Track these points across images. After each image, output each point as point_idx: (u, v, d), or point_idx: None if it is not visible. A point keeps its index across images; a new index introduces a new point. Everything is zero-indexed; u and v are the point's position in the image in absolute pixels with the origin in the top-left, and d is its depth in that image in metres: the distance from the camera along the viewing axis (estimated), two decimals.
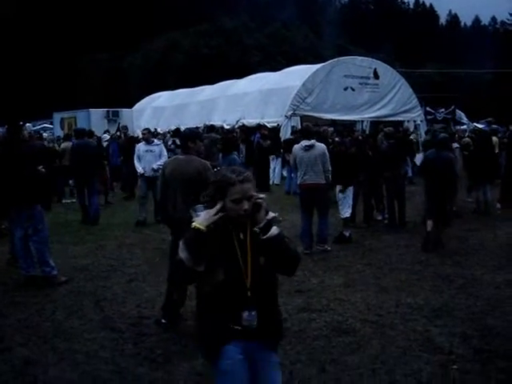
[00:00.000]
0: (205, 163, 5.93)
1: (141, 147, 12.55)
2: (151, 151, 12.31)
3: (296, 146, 9.47)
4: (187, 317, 5.98)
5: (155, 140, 13.16)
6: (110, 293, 7.25)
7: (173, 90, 33.85)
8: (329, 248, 9.32)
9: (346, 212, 10.00)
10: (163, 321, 5.88)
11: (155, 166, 11.70)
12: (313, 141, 9.16)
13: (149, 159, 12.17)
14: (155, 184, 9.74)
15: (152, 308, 6.53)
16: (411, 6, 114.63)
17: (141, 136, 14.14)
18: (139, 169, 12.17)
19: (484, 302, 6.57)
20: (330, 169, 9.07)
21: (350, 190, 10.01)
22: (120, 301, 6.91)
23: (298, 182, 9.56)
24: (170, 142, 19.33)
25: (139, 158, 12.36)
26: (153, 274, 7.92)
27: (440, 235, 9.30)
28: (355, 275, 7.88)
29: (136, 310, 6.56)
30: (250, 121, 21.61)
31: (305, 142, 9.21)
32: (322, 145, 9.30)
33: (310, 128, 10.07)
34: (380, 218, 11.83)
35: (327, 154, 9.12)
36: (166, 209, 5.93)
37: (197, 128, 14.80)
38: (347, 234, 10.01)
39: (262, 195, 2.99)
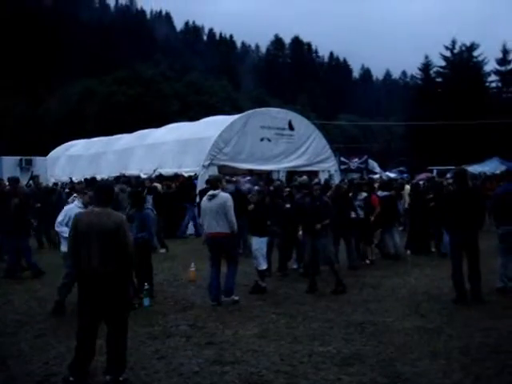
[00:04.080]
0: (122, 216, 5.94)
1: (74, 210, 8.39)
2: None
3: (204, 197, 9.60)
4: (96, 373, 5.81)
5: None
6: (17, 349, 6.95)
7: (89, 138, 33.38)
8: (236, 298, 9.30)
9: (262, 264, 10.03)
10: (71, 379, 5.66)
11: (59, 219, 9.19)
12: (218, 191, 9.28)
13: None
14: None
15: (60, 365, 6.28)
16: (326, 59, 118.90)
17: (67, 190, 12.69)
18: (65, 234, 8.60)
19: (394, 348, 6.74)
20: (232, 219, 9.10)
21: (264, 241, 10.08)
22: (27, 358, 6.63)
23: (204, 232, 9.61)
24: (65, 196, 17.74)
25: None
26: (62, 329, 7.67)
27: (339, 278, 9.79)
28: (269, 325, 7.90)
29: (44, 367, 6.30)
30: (167, 170, 21.55)
31: (210, 192, 9.35)
32: (226, 195, 9.38)
33: (216, 178, 10.18)
34: (295, 266, 11.98)
35: (229, 203, 9.17)
36: (78, 263, 5.79)
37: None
38: (263, 284, 10.06)
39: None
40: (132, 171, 22.24)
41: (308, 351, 6.68)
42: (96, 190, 6.28)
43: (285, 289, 10.31)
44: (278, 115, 23.27)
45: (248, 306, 9.04)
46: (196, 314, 8.63)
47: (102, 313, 5.73)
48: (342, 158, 31.38)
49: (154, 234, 10.44)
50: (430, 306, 8.80)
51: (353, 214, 12.59)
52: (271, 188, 12.72)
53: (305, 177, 14.24)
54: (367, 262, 12.69)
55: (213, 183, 9.69)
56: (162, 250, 14.89)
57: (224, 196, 9.27)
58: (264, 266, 10.07)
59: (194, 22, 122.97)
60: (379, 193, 14.00)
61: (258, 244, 9.98)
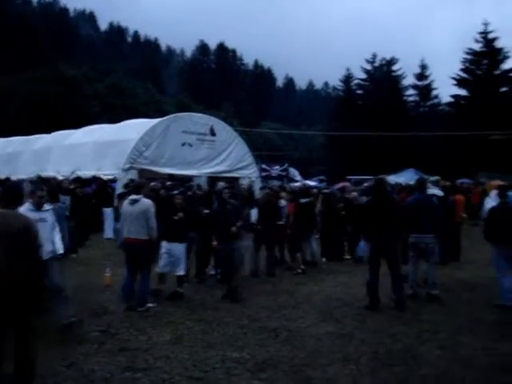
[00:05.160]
0: (30, 218, 5.75)
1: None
2: (43, 220, 7.57)
3: (126, 201, 9.44)
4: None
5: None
6: None
7: (7, 137, 32.12)
8: (151, 305, 9.17)
9: (181, 270, 9.95)
10: None
11: None
12: (140, 196, 9.17)
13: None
14: None
15: None
16: (250, 67, 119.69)
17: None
18: None
19: (306, 353, 6.83)
20: (153, 226, 9.03)
21: (182, 248, 10.00)
22: None
23: (123, 236, 9.45)
24: None
25: None
26: None
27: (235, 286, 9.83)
28: (184, 331, 7.84)
29: None
30: (86, 172, 21.08)
31: (132, 196, 9.21)
32: (148, 201, 9.26)
33: (140, 183, 10.04)
34: (213, 272, 11.95)
35: (152, 210, 9.08)
36: None
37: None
38: (180, 290, 9.97)
39: None
40: (49, 172, 21.59)
41: (221, 357, 6.67)
42: (3, 191, 6.06)
43: (202, 295, 10.25)
44: (200, 120, 23.27)
45: (163, 312, 8.93)
46: (109, 319, 8.44)
47: (10, 318, 5.50)
48: (264, 166, 31.60)
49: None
50: (344, 312, 8.97)
51: (281, 221, 12.75)
52: (189, 193, 12.63)
53: (222, 183, 14.30)
54: (299, 271, 12.60)
55: (136, 188, 9.54)
56: (74, 255, 14.45)
57: (146, 202, 9.15)
58: (183, 272, 9.99)
59: (118, 23, 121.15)
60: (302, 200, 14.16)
61: (179, 250, 9.89)
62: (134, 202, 9.11)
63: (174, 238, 9.83)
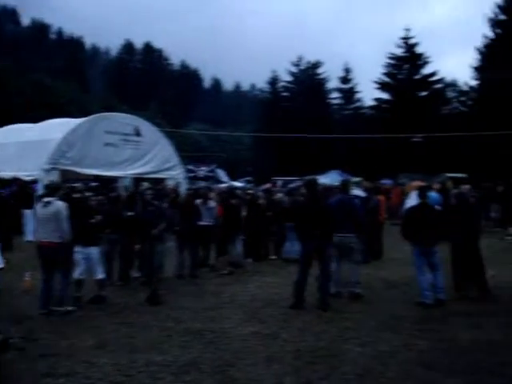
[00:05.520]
0: None
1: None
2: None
3: (39, 203, 9.17)
4: None
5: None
6: None
7: None
8: (70, 308, 8.97)
9: (100, 273, 9.73)
10: None
11: None
12: (53, 198, 8.93)
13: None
14: None
15: None
16: (177, 67, 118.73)
17: None
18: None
19: (231, 354, 6.83)
20: (65, 229, 8.80)
21: (98, 251, 9.76)
22: None
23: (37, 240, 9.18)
24: None
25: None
26: None
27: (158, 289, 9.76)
28: (108, 335, 7.69)
29: None
30: (5, 173, 20.34)
31: (45, 199, 8.97)
32: (61, 203, 9.00)
33: (55, 185, 9.79)
34: (137, 275, 11.77)
35: (64, 212, 8.85)
36: None
37: None
38: (104, 294, 9.78)
39: None
40: None
41: (145, 361, 6.59)
42: None
43: (125, 298, 10.10)
44: (124, 121, 22.87)
45: (86, 317, 8.75)
46: (30, 325, 8.18)
47: None
48: (190, 167, 31.51)
49: None
50: (269, 311, 9.03)
51: (205, 222, 12.70)
52: (111, 195, 12.39)
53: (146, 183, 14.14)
54: (225, 272, 12.60)
55: (50, 190, 9.26)
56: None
57: (58, 204, 8.89)
58: (102, 275, 9.79)
59: (41, 20, 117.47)
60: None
61: (96, 254, 9.66)
62: (47, 204, 8.85)
63: (90, 242, 9.57)
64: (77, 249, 9.42)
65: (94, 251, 9.64)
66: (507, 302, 9.54)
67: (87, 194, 10.49)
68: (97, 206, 10.05)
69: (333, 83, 60.48)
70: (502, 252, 15.16)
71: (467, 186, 11.41)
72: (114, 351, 6.99)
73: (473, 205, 11.24)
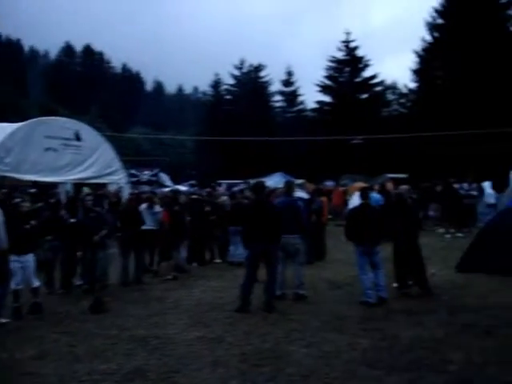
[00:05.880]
0: None
1: None
2: None
3: None
4: None
5: None
6: None
7: None
8: (4, 320, 8.69)
9: (35, 281, 9.51)
10: None
11: None
12: None
13: None
14: None
15: None
16: (119, 70, 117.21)
17: None
18: None
19: (176, 360, 6.77)
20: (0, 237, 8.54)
21: (32, 258, 9.49)
22: None
23: None
24: None
25: None
26: None
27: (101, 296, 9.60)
28: (48, 345, 7.51)
29: None
30: None
31: None
32: None
33: None
34: (79, 283, 11.53)
35: (1, 218, 8.60)
36: None
37: None
38: (39, 301, 9.53)
39: None
40: None
41: (88, 370, 6.46)
42: None
43: (67, 306, 9.88)
44: (64, 125, 22.33)
45: (26, 327, 8.52)
46: None
47: None
48: (133, 171, 31.14)
49: None
50: (214, 315, 9.00)
51: (149, 226, 12.56)
52: (51, 201, 12.13)
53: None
54: (169, 277, 12.49)
55: None
56: None
57: None
58: (37, 283, 9.55)
59: None
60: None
61: (31, 262, 9.40)
62: None
63: (25, 249, 9.29)
64: (13, 258, 9.11)
65: (30, 259, 9.38)
66: (448, 299, 9.78)
67: (17, 199, 10.05)
68: (31, 211, 9.76)
69: (275, 86, 60.94)
70: (442, 250, 15.56)
71: (405, 187, 11.67)
72: (55, 361, 6.84)
73: (410, 205, 11.51)
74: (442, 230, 20.14)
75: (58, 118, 24.57)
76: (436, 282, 10.77)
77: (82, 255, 10.06)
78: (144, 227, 12.65)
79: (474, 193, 20.76)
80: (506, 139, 27.43)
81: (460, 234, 19.25)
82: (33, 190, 17.29)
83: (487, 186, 21.31)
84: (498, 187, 21.87)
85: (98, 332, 8.12)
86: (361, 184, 21.47)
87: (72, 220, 11.31)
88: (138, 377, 6.20)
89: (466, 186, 20.91)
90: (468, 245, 12.74)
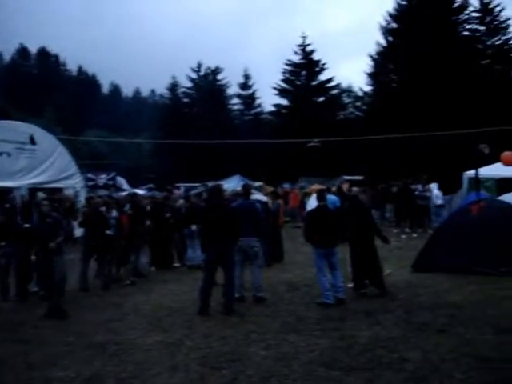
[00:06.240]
0: None
1: None
2: None
3: None
4: None
5: None
6: None
7: None
8: None
9: None
10: None
11: None
12: None
13: None
14: None
15: None
16: (74, 73, 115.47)
17: None
18: None
19: (134, 366, 6.72)
20: None
21: None
22: None
23: None
24: None
25: None
26: None
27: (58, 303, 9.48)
28: (3, 354, 7.36)
29: None
30: None
31: None
32: None
33: None
34: (35, 289, 11.33)
35: None
36: None
37: None
38: None
39: None
40: None
41: (45, 378, 6.38)
42: None
43: (23, 314, 9.71)
44: (18, 128, 21.95)
45: None
46: None
47: None
48: (90, 175, 30.72)
49: None
50: (173, 319, 8.97)
51: (108, 231, 12.41)
52: (6, 206, 11.89)
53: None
54: (127, 282, 12.37)
55: None
56: None
57: None
58: None
59: None
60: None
61: None
62: None
63: None
64: None
65: None
66: (404, 298, 9.94)
67: None
68: None
69: (233, 89, 61.05)
70: (398, 250, 15.81)
71: (356, 188, 11.89)
72: (10, 369, 6.72)
73: (364, 206, 11.68)
74: (396, 231, 20.48)
75: (11, 121, 24.18)
76: (392, 282, 10.95)
77: (35, 260, 9.88)
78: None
79: (428, 194, 21.16)
80: (458, 140, 28.03)
81: (415, 235, 19.62)
82: None
83: (434, 187, 21.73)
84: (451, 188, 22.38)
85: (55, 339, 8.00)
86: (318, 186, 21.67)
87: (26, 225, 11.12)
88: (97, 383, 6.14)
89: (420, 187, 21.29)
90: (423, 245, 13.00)
